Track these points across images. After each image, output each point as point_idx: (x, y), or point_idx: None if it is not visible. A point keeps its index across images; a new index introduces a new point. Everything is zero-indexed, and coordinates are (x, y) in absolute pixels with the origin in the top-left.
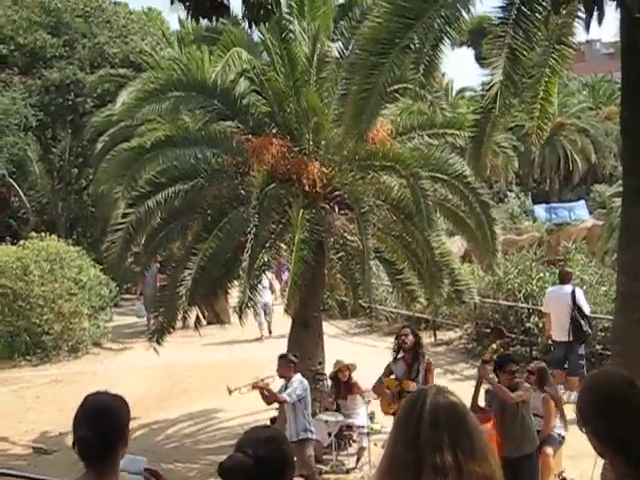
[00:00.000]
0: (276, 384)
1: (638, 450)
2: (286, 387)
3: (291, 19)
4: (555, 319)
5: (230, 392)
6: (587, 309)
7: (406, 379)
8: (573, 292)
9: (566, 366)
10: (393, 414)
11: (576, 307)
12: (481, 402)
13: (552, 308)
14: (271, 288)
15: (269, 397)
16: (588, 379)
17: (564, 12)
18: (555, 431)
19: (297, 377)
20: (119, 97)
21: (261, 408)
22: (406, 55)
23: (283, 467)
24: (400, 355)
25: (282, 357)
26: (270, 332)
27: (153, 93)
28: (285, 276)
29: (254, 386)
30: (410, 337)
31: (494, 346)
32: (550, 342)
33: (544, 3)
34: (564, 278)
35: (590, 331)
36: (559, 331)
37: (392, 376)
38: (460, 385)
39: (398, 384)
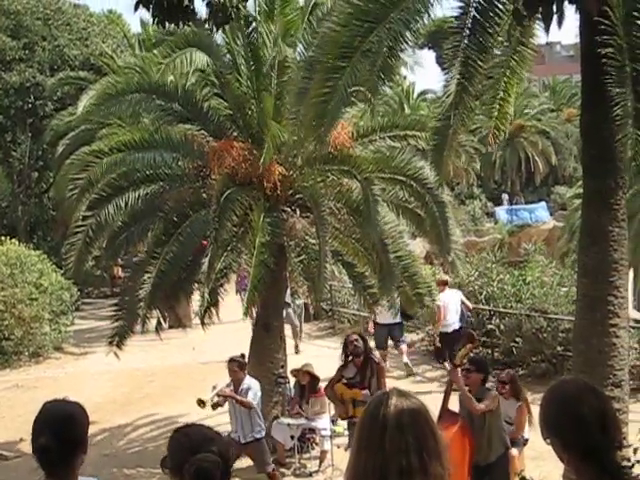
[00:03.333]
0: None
1: (603, 456)
2: (236, 389)
3: (258, 22)
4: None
5: (203, 405)
6: None
7: (356, 389)
8: None
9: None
10: (350, 417)
11: None
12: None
13: None
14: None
15: (238, 403)
16: (551, 390)
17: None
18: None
19: (250, 380)
20: (80, 101)
21: (220, 411)
22: (367, 59)
23: (232, 463)
24: (350, 359)
25: (232, 360)
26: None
27: (113, 96)
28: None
29: (219, 394)
30: (360, 342)
31: (464, 350)
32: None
33: (499, 13)
34: None
35: None
36: (386, 315)
37: (343, 380)
38: (422, 387)
39: (348, 392)
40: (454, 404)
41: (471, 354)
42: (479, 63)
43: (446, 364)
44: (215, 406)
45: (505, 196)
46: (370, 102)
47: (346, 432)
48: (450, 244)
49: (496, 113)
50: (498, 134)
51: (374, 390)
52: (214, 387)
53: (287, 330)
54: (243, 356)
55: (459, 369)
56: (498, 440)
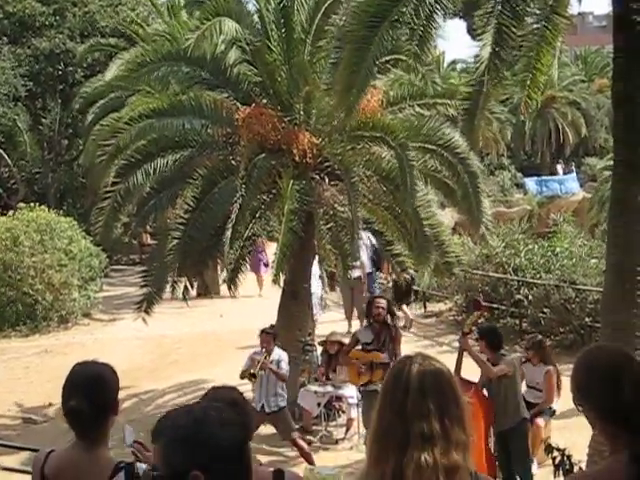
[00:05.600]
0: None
1: (635, 421)
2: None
3: None
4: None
5: (249, 376)
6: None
7: (374, 350)
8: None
9: None
10: (366, 384)
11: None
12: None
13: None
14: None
15: (276, 375)
16: (584, 355)
17: None
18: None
19: (279, 351)
20: (109, 69)
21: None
22: (396, 28)
23: (247, 431)
24: (371, 321)
25: (266, 333)
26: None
27: (142, 64)
28: (263, 259)
29: (262, 367)
30: (385, 311)
31: (473, 317)
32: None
33: None
34: None
35: None
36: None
37: (358, 346)
38: (449, 357)
39: (366, 355)
40: (469, 373)
41: (479, 321)
42: (512, 30)
43: None
44: (253, 376)
45: (559, 166)
46: (411, 70)
47: None
48: (481, 215)
49: (529, 82)
50: (530, 103)
51: (390, 355)
52: (252, 358)
53: None
54: (272, 327)
55: (469, 336)
56: (514, 406)
